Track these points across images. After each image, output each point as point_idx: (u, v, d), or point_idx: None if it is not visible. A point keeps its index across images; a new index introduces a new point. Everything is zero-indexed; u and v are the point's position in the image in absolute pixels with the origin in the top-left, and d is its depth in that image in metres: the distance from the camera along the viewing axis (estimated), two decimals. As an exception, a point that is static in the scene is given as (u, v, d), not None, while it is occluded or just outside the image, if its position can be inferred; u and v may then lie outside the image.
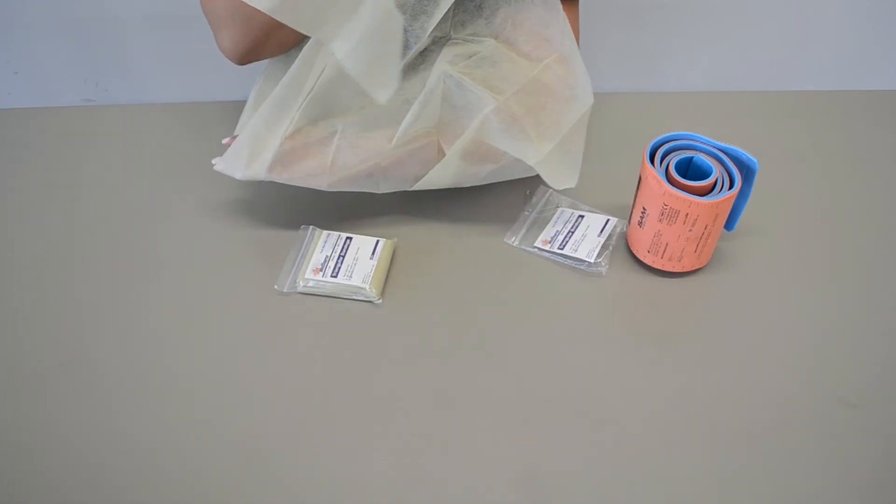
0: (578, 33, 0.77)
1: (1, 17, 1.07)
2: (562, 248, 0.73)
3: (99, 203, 0.80)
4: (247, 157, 0.69)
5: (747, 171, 0.66)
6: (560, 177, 0.70)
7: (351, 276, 0.69)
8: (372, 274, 0.69)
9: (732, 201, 0.66)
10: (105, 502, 0.56)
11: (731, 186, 0.66)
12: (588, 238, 0.74)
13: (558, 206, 0.78)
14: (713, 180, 0.66)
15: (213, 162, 0.71)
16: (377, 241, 0.72)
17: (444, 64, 0.68)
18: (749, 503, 0.56)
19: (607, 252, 0.73)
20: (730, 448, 0.59)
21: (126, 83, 1.06)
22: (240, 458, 0.58)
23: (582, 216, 0.76)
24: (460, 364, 0.65)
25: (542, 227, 0.76)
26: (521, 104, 0.67)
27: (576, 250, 0.73)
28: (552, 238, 0.74)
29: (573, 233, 0.74)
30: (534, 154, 0.67)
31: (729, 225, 0.71)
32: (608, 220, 0.75)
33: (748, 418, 0.61)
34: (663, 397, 0.62)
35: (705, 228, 0.66)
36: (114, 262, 0.74)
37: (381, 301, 0.69)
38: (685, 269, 0.71)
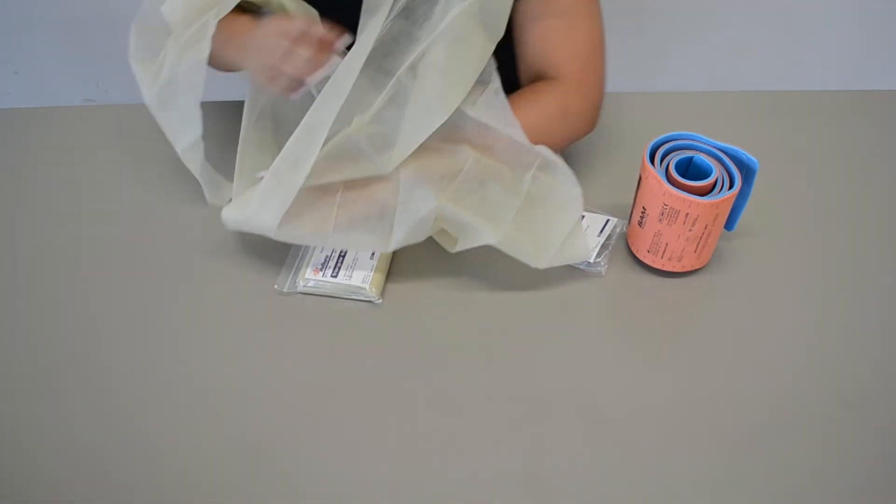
0: (603, 36, 0.75)
1: (1, 16, 1.07)
2: (562, 248, 0.73)
3: (99, 203, 0.80)
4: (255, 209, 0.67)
5: (747, 171, 0.67)
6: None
7: (351, 276, 0.69)
8: (372, 274, 0.69)
9: (732, 201, 0.66)
10: (107, 500, 0.56)
11: (731, 186, 0.66)
12: (588, 238, 0.74)
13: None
14: (713, 180, 0.66)
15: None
16: None
17: (433, 194, 0.65)
18: (749, 503, 0.56)
19: (607, 252, 0.73)
20: (729, 448, 0.59)
21: (126, 83, 1.06)
22: (240, 457, 0.58)
23: (582, 216, 0.76)
24: (460, 364, 0.65)
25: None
26: (519, 226, 0.67)
27: (576, 250, 0.73)
28: (552, 238, 0.74)
29: (573, 233, 0.74)
30: (537, 264, 0.68)
31: (729, 225, 0.71)
32: (608, 220, 0.75)
33: (748, 418, 0.61)
34: (664, 397, 0.62)
35: (705, 228, 0.66)
36: (114, 261, 0.74)
37: (381, 301, 0.69)
38: (685, 269, 0.71)
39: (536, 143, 0.68)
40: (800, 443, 0.59)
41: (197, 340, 0.67)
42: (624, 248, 0.74)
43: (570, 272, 0.72)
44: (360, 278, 0.69)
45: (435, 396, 0.63)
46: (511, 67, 0.75)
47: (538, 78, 0.74)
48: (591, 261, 0.72)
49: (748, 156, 0.66)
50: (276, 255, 0.73)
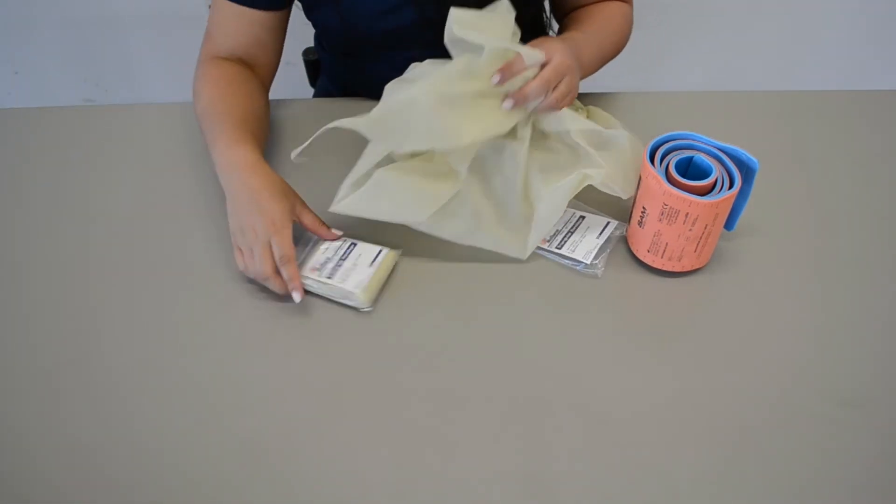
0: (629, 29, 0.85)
1: (1, 16, 1.07)
2: (559, 248, 0.73)
3: (98, 203, 0.80)
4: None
5: (747, 171, 0.67)
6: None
7: (345, 280, 0.69)
8: (367, 281, 0.69)
9: (732, 201, 0.66)
10: (107, 501, 0.56)
11: (731, 186, 0.66)
12: (587, 239, 0.74)
13: (559, 206, 0.78)
14: (713, 180, 0.66)
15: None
16: (380, 251, 0.71)
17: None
18: (749, 503, 0.56)
19: (604, 254, 0.73)
20: (729, 448, 0.59)
21: (126, 83, 1.06)
22: (239, 457, 0.58)
23: (583, 217, 0.76)
24: (460, 364, 0.65)
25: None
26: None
27: (573, 251, 0.73)
28: (551, 237, 0.74)
29: (573, 233, 0.74)
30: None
31: (729, 225, 0.71)
32: (608, 223, 0.75)
33: (748, 418, 0.61)
34: (663, 397, 0.62)
35: (705, 228, 0.66)
36: (112, 261, 0.74)
37: (370, 309, 0.68)
38: (685, 269, 0.71)
39: (615, 49, 0.84)
40: (800, 443, 0.59)
41: (196, 339, 0.67)
42: (624, 248, 0.74)
43: (570, 272, 0.72)
44: (353, 284, 0.68)
45: (435, 397, 0.62)
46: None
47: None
48: (588, 262, 0.72)
49: (748, 156, 0.66)
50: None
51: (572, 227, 0.75)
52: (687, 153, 0.68)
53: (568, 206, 0.78)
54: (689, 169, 0.69)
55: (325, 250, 0.72)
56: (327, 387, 0.63)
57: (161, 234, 0.77)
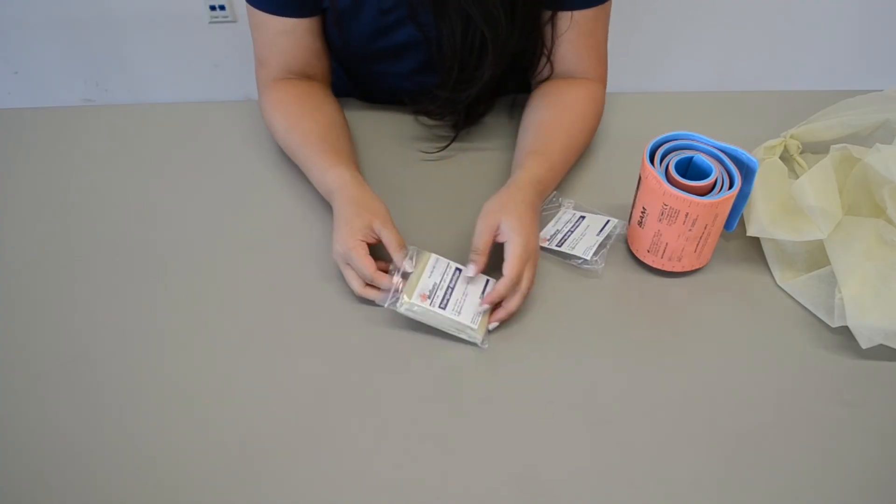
0: (607, 34, 0.83)
1: (1, 16, 1.07)
2: (559, 246, 0.73)
3: (98, 203, 0.80)
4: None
5: (747, 171, 0.67)
6: None
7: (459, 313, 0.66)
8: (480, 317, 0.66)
9: (732, 201, 0.67)
10: (105, 502, 0.56)
11: (730, 186, 0.66)
12: (587, 237, 0.74)
13: (561, 206, 0.78)
14: (713, 180, 0.66)
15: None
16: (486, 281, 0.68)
17: None
18: (749, 503, 0.56)
19: (604, 251, 0.73)
20: (729, 448, 0.59)
21: (126, 83, 1.06)
22: (239, 458, 0.58)
23: (583, 217, 0.76)
24: (459, 364, 0.65)
25: (542, 226, 0.76)
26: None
27: (573, 248, 0.73)
28: (551, 237, 0.74)
29: (572, 232, 0.74)
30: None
31: (729, 225, 0.71)
32: (608, 221, 0.75)
33: (748, 418, 0.61)
34: (664, 397, 0.62)
35: (705, 228, 0.66)
36: (112, 261, 0.74)
37: (486, 346, 0.66)
38: (685, 269, 0.71)
39: (585, 133, 0.81)
40: (800, 442, 0.59)
41: (195, 341, 0.67)
42: (624, 248, 0.74)
43: (570, 272, 0.72)
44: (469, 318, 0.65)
45: (434, 397, 0.62)
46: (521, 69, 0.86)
47: (563, 75, 0.84)
48: (588, 258, 0.72)
49: (748, 156, 0.66)
50: (276, 253, 0.73)
51: (572, 227, 0.75)
52: (687, 153, 0.68)
53: (568, 207, 0.78)
54: (689, 169, 0.69)
55: (431, 274, 0.67)
56: (324, 387, 0.63)
57: (160, 234, 0.77)
